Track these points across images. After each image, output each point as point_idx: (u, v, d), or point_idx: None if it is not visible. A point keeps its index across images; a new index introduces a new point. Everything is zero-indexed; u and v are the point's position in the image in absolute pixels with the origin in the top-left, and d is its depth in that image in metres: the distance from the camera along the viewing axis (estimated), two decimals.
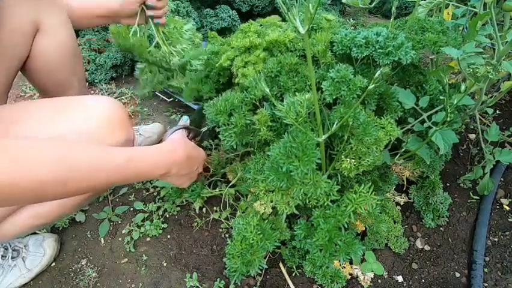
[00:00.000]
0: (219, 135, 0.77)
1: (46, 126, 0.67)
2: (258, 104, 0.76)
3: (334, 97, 0.69)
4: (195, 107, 1.36)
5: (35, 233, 0.99)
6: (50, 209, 0.76)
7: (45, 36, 0.80)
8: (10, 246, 0.92)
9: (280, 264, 0.93)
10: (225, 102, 0.75)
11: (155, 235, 1.01)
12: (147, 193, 1.13)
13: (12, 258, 0.90)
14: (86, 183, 0.55)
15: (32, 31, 0.78)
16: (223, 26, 1.87)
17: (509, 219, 1.03)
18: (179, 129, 0.83)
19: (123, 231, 1.02)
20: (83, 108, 0.70)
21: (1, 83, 0.77)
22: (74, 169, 0.53)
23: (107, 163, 0.57)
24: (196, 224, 1.03)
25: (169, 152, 0.70)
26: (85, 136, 0.67)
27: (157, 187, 1.13)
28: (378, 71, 0.52)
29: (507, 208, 1.06)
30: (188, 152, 0.73)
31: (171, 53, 1.06)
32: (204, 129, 0.93)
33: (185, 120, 0.91)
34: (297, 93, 0.64)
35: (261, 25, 0.96)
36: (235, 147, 0.77)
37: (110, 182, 0.59)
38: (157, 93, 1.55)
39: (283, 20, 1.05)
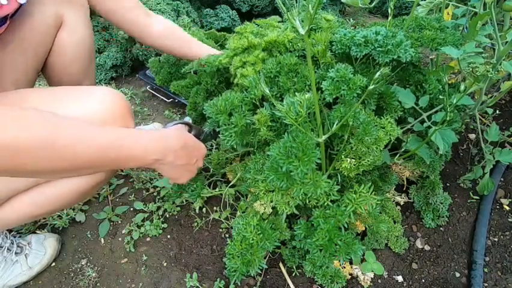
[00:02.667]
0: (219, 135, 0.76)
1: None
2: (258, 104, 0.76)
3: (334, 97, 0.69)
4: None
5: (36, 232, 1.00)
6: (48, 198, 0.75)
7: (66, 31, 0.83)
8: (15, 241, 0.92)
9: (280, 264, 0.93)
10: (225, 102, 0.75)
11: (155, 235, 1.01)
12: (147, 193, 1.13)
13: (16, 253, 0.90)
14: (72, 152, 0.53)
15: (55, 24, 0.80)
16: (223, 26, 1.87)
17: (509, 219, 1.03)
18: (180, 123, 0.80)
19: (123, 231, 1.02)
20: (83, 98, 0.69)
21: (30, 74, 0.80)
22: (63, 134, 0.51)
23: (98, 135, 0.56)
24: (196, 224, 1.03)
25: (163, 137, 0.66)
26: None
27: (157, 187, 1.13)
28: (378, 72, 0.52)
29: (507, 208, 1.06)
30: (185, 140, 0.70)
31: None
32: (206, 128, 0.91)
33: (187, 119, 0.90)
34: (296, 94, 0.64)
35: (258, 25, 0.96)
36: (235, 147, 0.77)
37: (101, 158, 0.57)
38: (156, 93, 1.55)
39: (283, 21, 1.05)
